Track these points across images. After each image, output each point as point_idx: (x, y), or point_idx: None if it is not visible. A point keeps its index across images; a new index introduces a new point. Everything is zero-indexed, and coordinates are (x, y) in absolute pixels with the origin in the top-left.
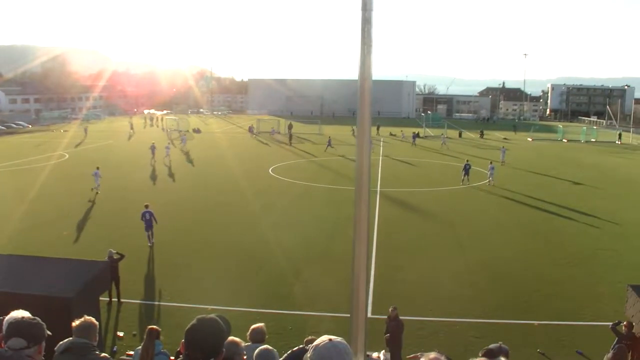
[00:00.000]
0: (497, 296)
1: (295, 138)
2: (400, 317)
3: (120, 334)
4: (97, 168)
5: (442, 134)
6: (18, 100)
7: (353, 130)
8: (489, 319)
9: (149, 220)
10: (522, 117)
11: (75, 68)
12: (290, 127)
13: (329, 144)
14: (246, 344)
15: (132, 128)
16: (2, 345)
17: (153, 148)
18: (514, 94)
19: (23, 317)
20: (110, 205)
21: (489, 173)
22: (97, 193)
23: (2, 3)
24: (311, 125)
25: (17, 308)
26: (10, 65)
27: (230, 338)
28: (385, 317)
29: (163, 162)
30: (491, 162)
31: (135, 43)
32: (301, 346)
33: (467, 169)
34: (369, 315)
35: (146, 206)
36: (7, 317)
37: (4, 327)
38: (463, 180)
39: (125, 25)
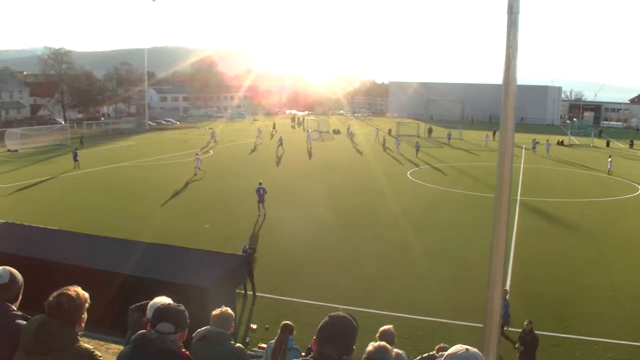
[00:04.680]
0: None
1: (435, 142)
2: (535, 332)
3: (254, 326)
4: (197, 154)
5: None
6: (168, 99)
7: (493, 134)
8: (633, 342)
9: (262, 195)
10: None
11: (221, 69)
12: (430, 131)
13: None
14: None
15: (274, 128)
16: (148, 329)
17: (309, 136)
18: None
19: (170, 304)
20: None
21: None
22: (202, 171)
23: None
24: (451, 130)
25: (158, 294)
26: (162, 66)
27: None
28: (519, 330)
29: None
30: None
31: (279, 46)
32: (431, 353)
33: None
34: None
35: (260, 183)
36: (151, 302)
37: (150, 312)
38: None
39: (271, 30)
